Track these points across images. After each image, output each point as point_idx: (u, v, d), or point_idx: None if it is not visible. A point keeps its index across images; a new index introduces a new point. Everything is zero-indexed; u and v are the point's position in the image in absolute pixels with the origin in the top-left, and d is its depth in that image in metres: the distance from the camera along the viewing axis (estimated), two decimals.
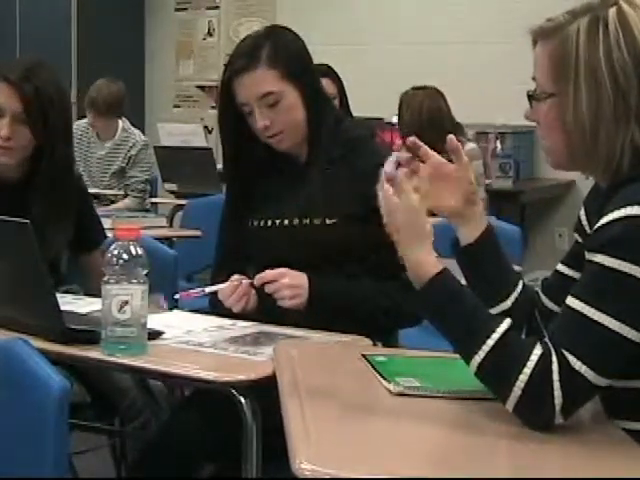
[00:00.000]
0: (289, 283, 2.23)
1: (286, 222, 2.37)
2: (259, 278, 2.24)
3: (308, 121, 2.36)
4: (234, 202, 2.48)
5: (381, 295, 2.31)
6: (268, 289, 2.23)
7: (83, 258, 2.78)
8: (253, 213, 2.42)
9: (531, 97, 1.65)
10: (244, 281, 2.27)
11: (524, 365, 1.44)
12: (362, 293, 2.32)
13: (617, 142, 1.55)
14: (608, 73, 1.54)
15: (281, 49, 2.34)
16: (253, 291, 2.28)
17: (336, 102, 4.20)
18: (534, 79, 1.65)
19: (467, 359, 1.51)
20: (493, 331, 1.48)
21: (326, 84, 3.84)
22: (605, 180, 1.62)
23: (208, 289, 2.26)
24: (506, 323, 1.50)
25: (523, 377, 1.44)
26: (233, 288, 2.27)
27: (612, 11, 1.56)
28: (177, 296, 2.27)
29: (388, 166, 1.62)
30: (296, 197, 2.36)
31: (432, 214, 1.66)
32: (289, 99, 2.33)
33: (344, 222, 2.32)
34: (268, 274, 2.24)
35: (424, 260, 1.56)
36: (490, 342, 1.48)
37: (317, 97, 2.39)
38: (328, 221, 2.33)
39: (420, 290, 1.56)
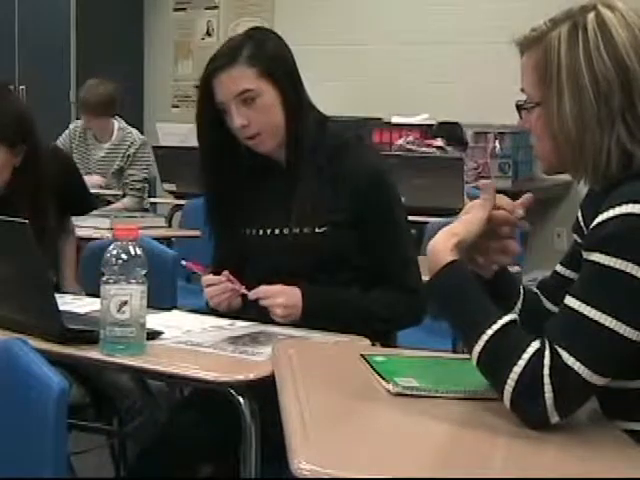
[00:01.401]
0: (284, 303, 2.22)
1: (277, 231, 2.35)
2: (254, 293, 2.24)
3: (287, 124, 2.32)
4: (219, 208, 2.44)
5: (378, 305, 2.30)
6: (262, 303, 2.23)
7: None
8: (243, 222, 2.40)
9: (520, 107, 1.66)
10: (235, 286, 2.27)
11: (519, 357, 1.45)
12: (358, 304, 2.30)
13: (603, 145, 1.56)
14: (589, 78, 1.55)
15: (262, 49, 2.31)
16: (238, 296, 2.28)
17: None
18: (523, 90, 1.65)
19: (470, 351, 1.52)
20: (494, 322, 1.49)
21: None
22: (596, 184, 1.63)
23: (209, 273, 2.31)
24: (508, 316, 1.51)
25: (517, 369, 1.44)
26: (219, 288, 2.27)
27: (590, 16, 1.57)
28: (183, 263, 2.34)
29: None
30: (285, 206, 2.32)
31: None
32: (267, 98, 2.30)
33: (334, 229, 2.30)
34: (265, 291, 2.23)
35: (439, 251, 1.57)
36: (489, 332, 1.48)
37: (298, 100, 2.33)
38: (318, 229, 2.31)
39: (430, 280, 1.58)
